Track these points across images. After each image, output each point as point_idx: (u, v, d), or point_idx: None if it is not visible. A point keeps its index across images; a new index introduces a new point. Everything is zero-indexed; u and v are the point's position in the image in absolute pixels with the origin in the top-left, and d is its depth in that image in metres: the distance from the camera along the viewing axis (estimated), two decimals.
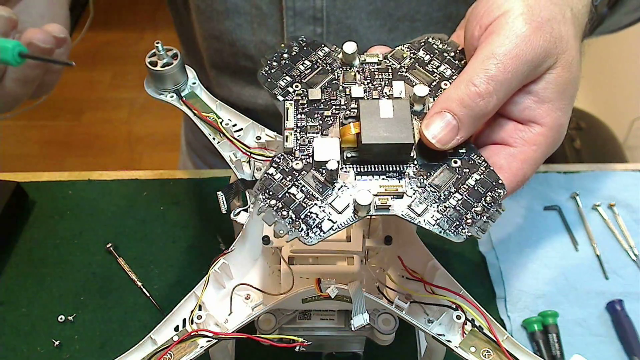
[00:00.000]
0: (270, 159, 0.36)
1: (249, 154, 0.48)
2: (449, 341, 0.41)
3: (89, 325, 0.58)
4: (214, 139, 0.49)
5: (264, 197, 0.34)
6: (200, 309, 0.42)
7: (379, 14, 0.63)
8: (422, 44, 0.41)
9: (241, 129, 0.50)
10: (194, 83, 0.50)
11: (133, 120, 2.01)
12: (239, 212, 0.46)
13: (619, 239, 0.64)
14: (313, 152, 0.35)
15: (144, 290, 0.60)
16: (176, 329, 0.42)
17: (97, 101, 2.06)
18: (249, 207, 0.46)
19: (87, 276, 0.62)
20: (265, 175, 0.35)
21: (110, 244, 0.63)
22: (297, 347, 0.41)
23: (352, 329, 0.41)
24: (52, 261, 0.63)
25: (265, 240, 0.44)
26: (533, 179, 0.70)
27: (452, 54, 0.40)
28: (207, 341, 0.41)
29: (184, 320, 0.43)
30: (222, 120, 0.50)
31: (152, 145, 1.92)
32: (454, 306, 0.42)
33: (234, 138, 0.48)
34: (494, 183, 0.35)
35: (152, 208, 0.68)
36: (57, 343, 0.57)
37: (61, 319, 0.58)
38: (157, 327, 0.42)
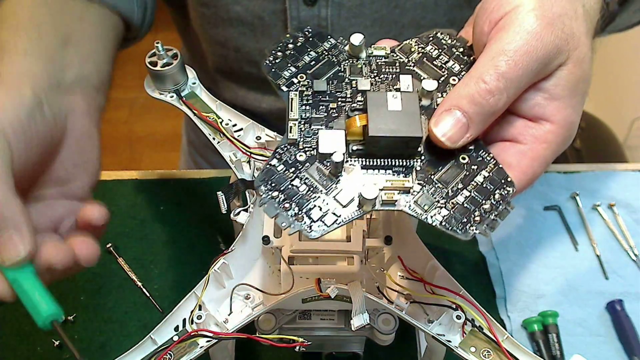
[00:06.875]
0: (273, 150, 0.35)
1: (249, 154, 0.48)
2: (449, 341, 0.41)
3: (89, 325, 0.58)
4: (214, 139, 0.49)
5: (266, 188, 0.33)
6: (200, 309, 0.42)
7: (384, 21, 0.62)
8: (431, 38, 0.40)
9: (241, 129, 0.50)
10: (194, 83, 0.50)
11: (133, 120, 2.01)
12: (239, 212, 0.46)
13: (619, 239, 0.64)
14: (317, 144, 0.34)
15: (144, 290, 0.60)
16: (176, 329, 0.42)
17: None
18: (249, 207, 0.46)
19: (87, 276, 0.62)
20: (268, 166, 0.34)
21: (110, 244, 0.63)
22: (297, 347, 0.41)
23: (352, 329, 0.41)
24: None
25: (265, 240, 0.44)
26: None
27: (461, 49, 0.39)
28: (207, 341, 0.41)
29: (184, 320, 0.43)
30: (222, 120, 0.50)
31: (152, 145, 1.92)
32: (454, 306, 0.42)
33: (234, 138, 0.48)
34: (503, 181, 0.34)
35: (152, 208, 0.68)
36: (57, 343, 0.57)
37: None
38: (157, 327, 0.42)
